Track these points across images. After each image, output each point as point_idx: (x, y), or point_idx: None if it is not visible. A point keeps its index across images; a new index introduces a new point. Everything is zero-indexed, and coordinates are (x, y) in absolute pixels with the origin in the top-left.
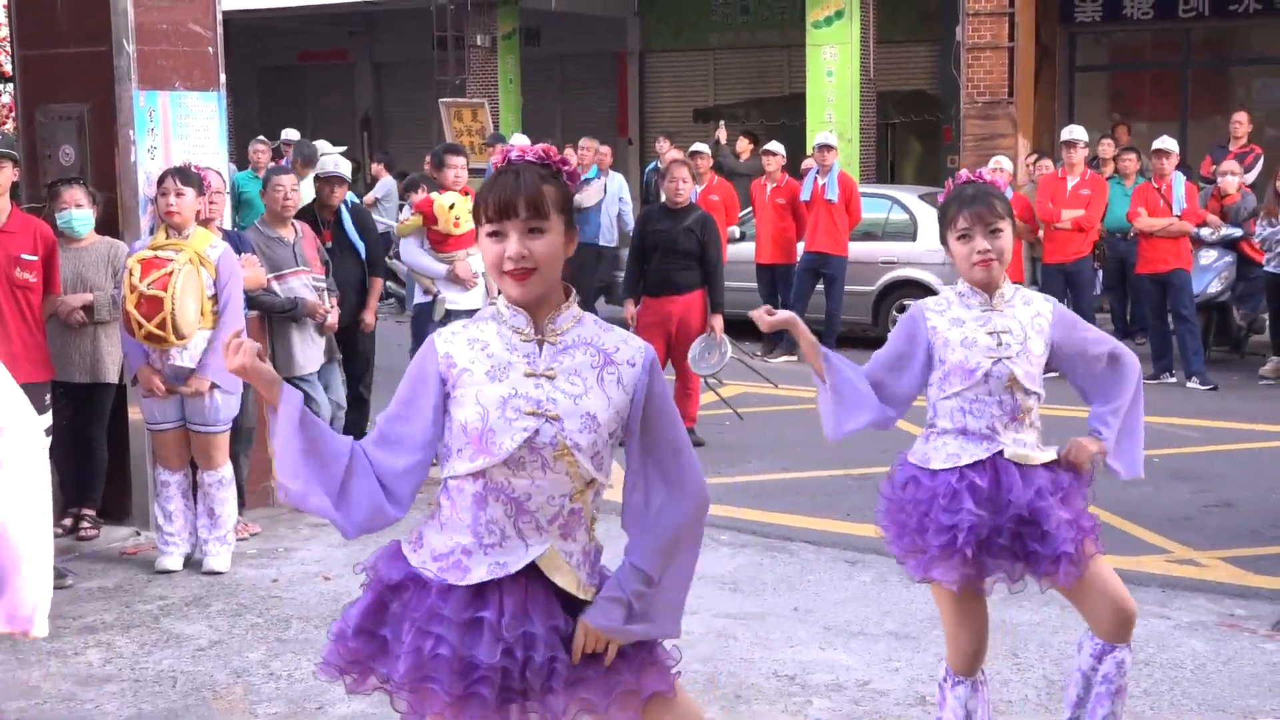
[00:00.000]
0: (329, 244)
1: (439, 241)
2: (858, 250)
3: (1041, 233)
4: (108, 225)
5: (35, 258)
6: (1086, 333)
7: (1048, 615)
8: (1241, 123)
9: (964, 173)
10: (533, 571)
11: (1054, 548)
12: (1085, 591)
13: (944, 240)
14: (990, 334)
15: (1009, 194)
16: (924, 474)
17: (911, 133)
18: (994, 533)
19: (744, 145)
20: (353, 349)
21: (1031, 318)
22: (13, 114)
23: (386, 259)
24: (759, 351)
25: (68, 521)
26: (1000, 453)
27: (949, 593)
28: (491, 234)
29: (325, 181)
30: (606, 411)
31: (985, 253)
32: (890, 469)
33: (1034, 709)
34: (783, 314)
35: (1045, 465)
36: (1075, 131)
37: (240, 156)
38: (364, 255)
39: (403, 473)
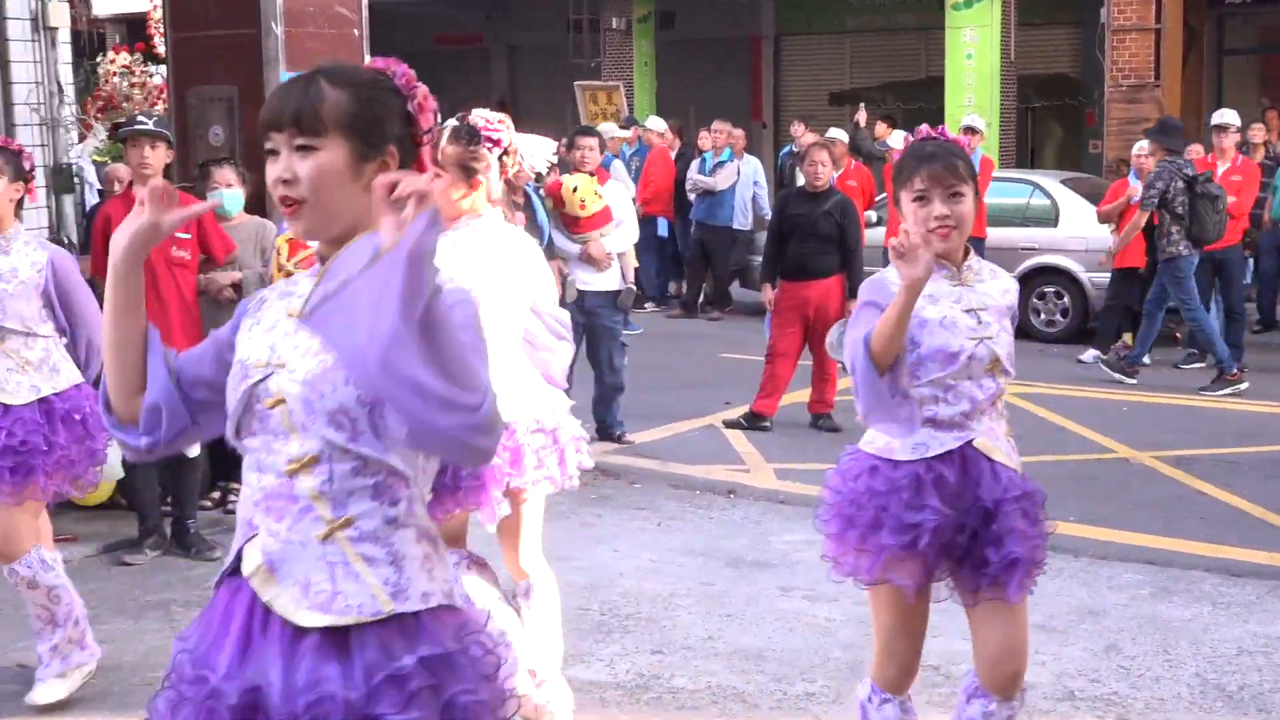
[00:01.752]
0: (524, 227)
1: (571, 223)
2: (997, 236)
3: None
4: (256, 205)
5: (188, 236)
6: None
7: (1199, 611)
8: None
9: (924, 127)
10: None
11: (1007, 553)
12: (994, 622)
13: (897, 201)
14: (967, 312)
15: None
16: (885, 464)
17: (1052, 117)
18: (956, 532)
19: (882, 129)
20: None
21: (1001, 292)
22: (164, 95)
23: None
24: None
25: (216, 495)
26: (970, 441)
27: (893, 597)
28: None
29: None
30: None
31: (944, 219)
32: (839, 461)
33: (1187, 707)
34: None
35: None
36: (1226, 115)
37: None
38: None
39: None
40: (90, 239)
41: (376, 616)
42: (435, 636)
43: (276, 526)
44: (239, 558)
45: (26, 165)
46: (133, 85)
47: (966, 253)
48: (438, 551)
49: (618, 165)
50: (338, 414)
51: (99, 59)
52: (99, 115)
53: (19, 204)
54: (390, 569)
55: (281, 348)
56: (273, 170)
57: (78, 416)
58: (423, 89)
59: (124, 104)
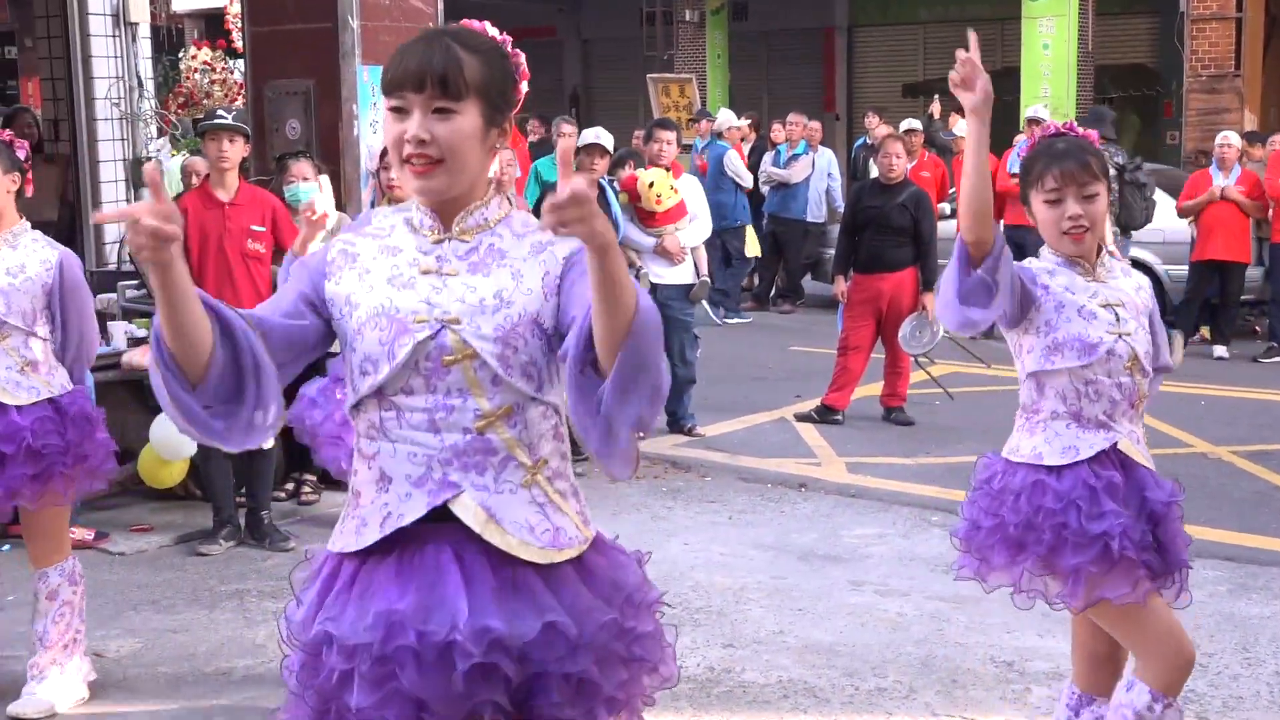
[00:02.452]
0: None
1: (646, 217)
2: None
3: (1271, 211)
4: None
5: (264, 229)
6: (1160, 333)
7: (1278, 609)
8: None
9: (1053, 124)
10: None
11: (1178, 560)
12: (1149, 623)
13: (1025, 199)
14: (1104, 307)
15: (1238, 170)
16: (1047, 474)
17: (1129, 107)
18: (1142, 534)
19: (955, 120)
20: None
21: (1135, 290)
22: (242, 90)
23: None
24: None
25: (290, 486)
26: (1115, 444)
27: (1129, 607)
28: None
29: (586, 151)
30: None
31: (1077, 220)
32: (981, 475)
33: (1266, 705)
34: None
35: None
36: None
37: None
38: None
39: None
40: None
41: (585, 545)
42: (616, 552)
43: (482, 480)
44: (429, 513)
45: (20, 155)
46: (213, 82)
47: (1099, 251)
48: None
49: (732, 155)
50: (529, 366)
51: (179, 54)
52: (179, 111)
53: (18, 194)
54: (575, 500)
55: (441, 302)
56: (403, 127)
57: (79, 412)
58: (522, 56)
59: (204, 100)
